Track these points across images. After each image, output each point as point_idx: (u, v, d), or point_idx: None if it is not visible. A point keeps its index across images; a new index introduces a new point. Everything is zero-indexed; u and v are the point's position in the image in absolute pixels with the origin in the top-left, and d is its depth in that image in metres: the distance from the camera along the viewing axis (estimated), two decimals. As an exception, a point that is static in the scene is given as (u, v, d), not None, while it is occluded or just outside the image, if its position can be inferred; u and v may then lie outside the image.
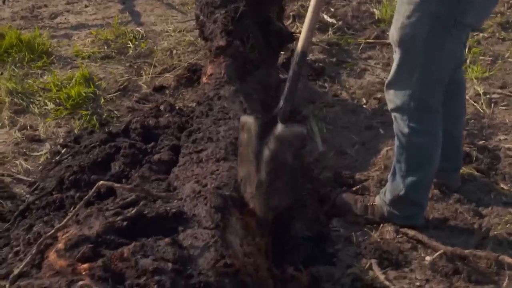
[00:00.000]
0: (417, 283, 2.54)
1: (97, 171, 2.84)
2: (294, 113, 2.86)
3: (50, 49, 4.76)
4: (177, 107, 3.57)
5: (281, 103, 2.35)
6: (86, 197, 2.16)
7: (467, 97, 3.77)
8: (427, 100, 2.59)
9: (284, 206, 2.46)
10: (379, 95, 3.94)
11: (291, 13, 5.11)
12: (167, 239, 1.90)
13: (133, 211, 2.04)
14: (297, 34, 4.22)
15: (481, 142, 3.44)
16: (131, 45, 4.80)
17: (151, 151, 2.94)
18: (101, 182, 2.19)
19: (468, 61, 4.26)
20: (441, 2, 2.37)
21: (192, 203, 2.14)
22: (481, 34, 4.66)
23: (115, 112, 3.94)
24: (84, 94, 4.03)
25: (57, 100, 4.01)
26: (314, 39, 4.63)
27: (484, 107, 3.79)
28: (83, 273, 1.76)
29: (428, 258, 2.65)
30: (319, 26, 4.88)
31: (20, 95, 4.09)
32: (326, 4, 5.27)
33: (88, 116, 3.83)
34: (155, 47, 4.80)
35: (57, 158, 3.28)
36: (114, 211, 2.07)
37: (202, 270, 1.84)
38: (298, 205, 2.88)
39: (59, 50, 4.84)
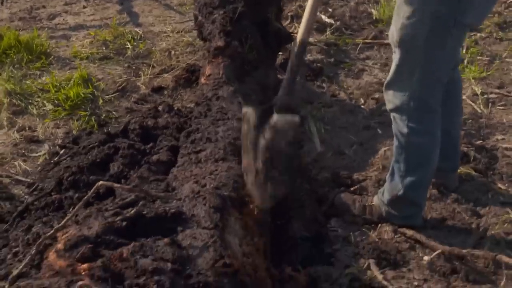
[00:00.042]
0: (415, 283, 2.55)
1: (96, 171, 2.84)
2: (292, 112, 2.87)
3: (48, 50, 4.77)
4: (175, 108, 3.58)
5: (280, 93, 2.39)
6: (86, 197, 2.16)
7: (464, 97, 3.80)
8: (427, 100, 2.60)
9: (281, 195, 2.48)
10: (377, 95, 3.95)
11: (289, 14, 5.12)
12: (166, 239, 1.91)
13: (132, 212, 2.04)
14: (295, 35, 4.24)
15: (478, 142, 3.45)
16: (130, 46, 4.80)
17: (149, 151, 2.95)
18: (101, 182, 2.19)
19: (465, 61, 4.28)
20: (441, 2, 2.37)
21: (191, 203, 2.15)
22: (478, 34, 4.67)
23: (114, 112, 3.94)
24: (82, 95, 4.03)
25: (56, 101, 4.02)
26: (312, 40, 4.65)
27: (481, 107, 3.80)
28: (83, 273, 1.77)
29: (426, 258, 2.66)
30: (317, 26, 4.89)
31: (18, 96, 4.10)
32: (324, 4, 5.29)
33: (86, 117, 3.83)
34: (153, 48, 4.81)
35: (56, 159, 3.29)
36: (114, 211, 2.07)
37: (201, 270, 1.85)
38: (296, 205, 2.90)
39: (58, 51, 4.84)
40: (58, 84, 4.17)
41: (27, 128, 3.80)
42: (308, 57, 4.50)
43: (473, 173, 3.18)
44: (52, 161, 3.28)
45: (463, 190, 3.05)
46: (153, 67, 4.51)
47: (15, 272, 2.01)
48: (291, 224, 2.77)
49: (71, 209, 2.54)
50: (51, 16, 5.58)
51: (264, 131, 2.34)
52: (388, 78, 2.65)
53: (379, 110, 3.80)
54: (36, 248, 2.03)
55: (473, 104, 3.83)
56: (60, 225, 2.05)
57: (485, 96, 3.92)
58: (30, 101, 4.08)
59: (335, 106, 3.95)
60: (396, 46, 2.56)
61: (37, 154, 3.52)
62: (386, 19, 4.86)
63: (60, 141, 3.58)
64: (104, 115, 3.90)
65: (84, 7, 5.78)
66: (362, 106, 3.94)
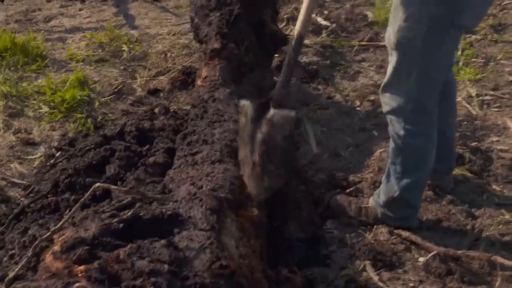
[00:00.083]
0: (411, 284, 2.55)
1: (92, 174, 2.85)
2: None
3: (44, 53, 4.78)
4: (171, 110, 3.58)
5: (276, 87, 2.42)
6: (82, 199, 2.16)
7: (460, 99, 3.81)
8: (424, 101, 2.60)
9: (277, 187, 2.52)
10: (372, 97, 3.96)
11: (285, 16, 5.14)
12: (163, 241, 1.91)
13: (129, 213, 2.05)
14: (291, 37, 4.26)
15: (473, 144, 3.46)
16: (126, 48, 4.81)
17: (146, 153, 2.95)
18: (97, 184, 2.20)
19: (460, 63, 4.30)
20: (438, 3, 2.37)
21: (188, 205, 2.15)
22: (473, 36, 4.69)
23: (110, 115, 3.95)
24: (78, 97, 4.03)
25: (52, 103, 4.03)
26: (308, 42, 4.66)
27: (476, 109, 3.81)
28: (80, 275, 1.77)
29: (421, 259, 2.67)
30: (313, 28, 4.90)
31: (14, 98, 4.10)
32: (319, 6, 5.30)
33: (82, 119, 3.84)
34: (149, 50, 4.82)
35: (52, 161, 3.29)
36: (110, 213, 2.08)
37: (198, 271, 1.85)
38: (292, 207, 2.91)
39: (54, 54, 4.85)
40: (54, 87, 4.17)
41: (23, 131, 3.80)
42: (304, 59, 4.52)
43: (468, 174, 3.19)
44: (48, 164, 3.28)
45: (458, 192, 3.06)
46: (149, 69, 4.52)
47: (11, 274, 2.02)
48: (287, 226, 2.79)
49: (67, 211, 2.54)
50: (47, 18, 5.58)
51: (261, 125, 2.38)
52: (385, 80, 2.66)
53: (374, 112, 3.82)
54: (32, 250, 2.04)
55: (468, 106, 3.84)
56: (56, 227, 2.05)
57: (480, 98, 3.93)
58: (26, 103, 4.08)
59: (331, 108, 3.96)
60: (393, 48, 2.56)
61: (33, 157, 3.52)
62: (382, 21, 4.88)
63: (56, 143, 3.58)
64: (100, 117, 3.90)
65: (80, 9, 5.79)
66: (358, 108, 3.95)
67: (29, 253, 2.03)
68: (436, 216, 2.89)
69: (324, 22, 5.04)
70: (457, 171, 3.16)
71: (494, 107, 3.86)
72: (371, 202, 2.90)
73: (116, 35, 5.00)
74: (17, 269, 2.02)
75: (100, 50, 4.83)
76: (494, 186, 3.13)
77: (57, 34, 5.24)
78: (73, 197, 2.66)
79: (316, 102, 4.03)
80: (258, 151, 2.40)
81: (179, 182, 2.41)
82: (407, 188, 2.73)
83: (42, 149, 3.58)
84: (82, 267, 1.79)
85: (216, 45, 3.64)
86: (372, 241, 2.78)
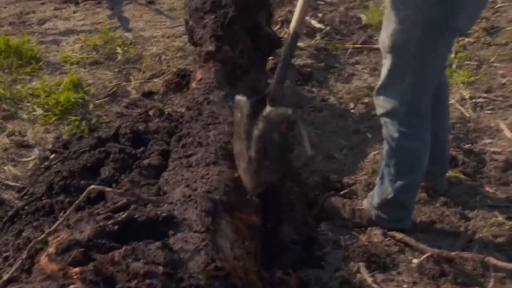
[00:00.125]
0: (405, 286, 2.56)
1: (86, 176, 2.84)
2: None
3: (38, 55, 4.77)
4: (166, 112, 3.59)
5: (272, 84, 2.45)
6: (77, 201, 2.16)
7: (453, 101, 3.83)
8: (418, 104, 2.62)
9: (272, 182, 2.56)
10: (366, 100, 3.98)
11: (279, 19, 5.15)
12: (158, 243, 1.91)
13: (124, 215, 2.05)
14: (283, 40, 4.27)
15: (467, 146, 3.47)
16: (120, 51, 4.81)
17: (140, 156, 2.95)
18: (92, 186, 2.20)
19: (454, 65, 4.32)
20: (433, 6, 2.38)
21: (183, 207, 2.16)
22: (466, 39, 4.71)
23: (104, 117, 3.95)
24: (73, 100, 4.03)
25: (46, 106, 4.03)
26: (302, 44, 4.67)
27: (470, 111, 3.83)
28: (74, 277, 1.77)
29: (415, 260, 2.68)
30: (307, 31, 4.92)
31: (8, 101, 4.10)
32: (313, 9, 5.32)
33: (77, 122, 3.84)
34: (143, 53, 4.82)
35: (46, 163, 3.28)
36: (105, 215, 2.08)
37: (193, 273, 1.85)
38: (287, 209, 2.92)
39: (48, 56, 4.85)
40: (48, 89, 4.17)
41: (17, 133, 3.79)
42: (298, 61, 4.53)
43: (462, 176, 3.20)
44: (42, 166, 3.28)
45: (451, 194, 3.07)
46: (144, 72, 4.52)
47: (5, 276, 2.01)
48: (282, 228, 2.80)
49: (62, 213, 2.54)
50: (41, 21, 5.58)
51: (257, 122, 2.41)
52: (379, 83, 2.67)
53: (368, 115, 3.83)
54: (27, 253, 2.04)
55: (461, 108, 3.86)
56: (51, 229, 2.05)
57: (473, 100, 3.95)
58: (20, 106, 4.07)
59: (325, 110, 3.97)
60: (387, 51, 2.57)
61: (27, 159, 3.52)
62: (376, 24, 4.90)
63: (50, 146, 3.58)
64: (94, 119, 3.90)
65: (74, 12, 5.79)
66: (352, 111, 3.96)
67: (24, 255, 2.03)
68: (429, 218, 2.91)
69: (318, 25, 5.05)
70: (450, 173, 3.17)
71: (487, 110, 3.88)
72: (365, 204, 2.91)
73: (111, 38, 5.00)
74: (11, 271, 2.02)
75: (94, 53, 4.83)
76: (487, 188, 3.14)
77: (51, 36, 5.24)
78: (67, 199, 2.66)
79: (310, 104, 4.04)
80: (254, 147, 2.44)
81: (174, 184, 2.42)
82: (401, 190, 2.74)
83: (36, 152, 3.58)
84: (77, 269, 1.79)
85: (211, 47, 3.65)
86: (366, 243, 2.79)
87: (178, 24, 5.29)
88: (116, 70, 4.59)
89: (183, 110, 3.62)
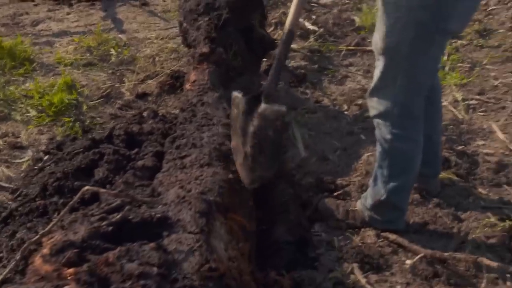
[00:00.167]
0: (398, 287, 2.57)
1: (80, 177, 2.85)
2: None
3: (32, 56, 4.77)
4: (160, 114, 3.59)
5: (267, 81, 2.50)
6: (71, 202, 2.16)
7: (446, 103, 3.85)
8: (411, 106, 2.63)
9: (268, 177, 2.62)
10: (360, 102, 3.99)
11: (273, 21, 5.16)
12: (152, 244, 1.91)
13: (118, 216, 2.05)
14: (279, 42, 4.28)
15: (459, 148, 3.49)
16: (114, 52, 4.81)
17: (134, 157, 2.95)
18: (87, 187, 2.19)
19: (447, 68, 4.34)
20: (424, 9, 2.39)
21: (177, 208, 2.16)
22: (459, 41, 4.73)
23: (98, 119, 3.94)
24: (66, 101, 4.03)
25: (40, 107, 4.02)
26: (296, 46, 4.69)
27: (462, 113, 3.85)
28: (69, 277, 1.76)
29: (408, 261, 2.69)
30: (301, 33, 4.94)
31: (1, 102, 4.09)
32: (307, 11, 5.34)
33: (70, 123, 3.83)
34: (137, 54, 4.82)
35: (40, 165, 3.28)
36: (99, 216, 2.07)
37: (187, 274, 1.85)
38: (281, 210, 2.92)
39: (41, 57, 4.84)
40: (41, 90, 4.16)
41: (10, 134, 3.78)
42: (292, 63, 4.54)
43: (455, 178, 3.22)
44: (36, 167, 3.27)
45: (444, 195, 3.09)
46: (137, 73, 4.52)
47: (-1, 277, 2.01)
48: (276, 229, 2.80)
49: (55, 214, 2.54)
50: (34, 22, 5.57)
51: (253, 118, 2.47)
52: (372, 85, 2.68)
53: (362, 116, 3.85)
54: (21, 254, 2.04)
55: (454, 110, 3.88)
56: (45, 230, 2.05)
57: (466, 102, 3.97)
58: (13, 107, 4.07)
59: (319, 112, 3.98)
60: (380, 53, 2.58)
61: (20, 160, 3.51)
62: (369, 26, 4.92)
63: (44, 147, 3.57)
64: (88, 121, 3.89)
65: (68, 13, 5.78)
66: (346, 112, 3.98)
67: (18, 257, 2.02)
68: (422, 219, 2.92)
69: (311, 27, 5.07)
70: (443, 174, 3.19)
71: (479, 111, 3.90)
72: (358, 205, 2.92)
73: (104, 39, 5.00)
74: (5, 272, 2.02)
75: (88, 54, 4.83)
76: (480, 189, 3.16)
77: (45, 38, 5.23)
78: (61, 200, 2.67)
79: (304, 106, 4.05)
80: (249, 143, 2.50)
81: (168, 185, 2.42)
82: (393, 192, 2.75)
83: (29, 153, 3.57)
84: (71, 270, 1.79)
85: (205, 49, 3.66)
86: (360, 244, 2.80)
87: (172, 26, 5.30)
88: (110, 71, 4.58)
89: (177, 111, 3.62)
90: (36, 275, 1.83)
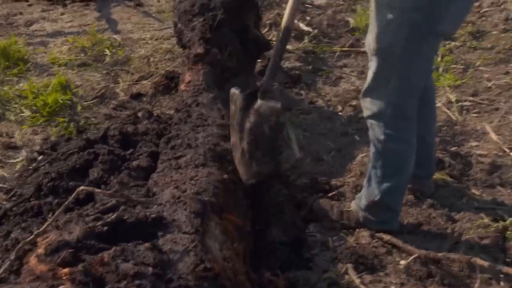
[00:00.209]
0: (392, 287, 2.58)
1: (75, 177, 2.84)
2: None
3: (26, 57, 4.75)
4: (155, 114, 3.59)
5: (264, 78, 2.55)
6: (66, 202, 2.16)
7: (439, 104, 3.87)
8: (404, 107, 2.64)
9: (266, 173, 2.66)
10: (354, 103, 4.00)
11: (267, 22, 5.17)
12: (147, 244, 1.92)
13: (113, 216, 2.05)
14: (274, 43, 4.29)
15: (453, 149, 3.51)
16: (108, 53, 4.80)
17: (129, 157, 2.95)
18: (82, 187, 2.19)
19: (440, 69, 4.35)
20: (417, 10, 2.41)
21: (172, 209, 2.16)
22: (453, 43, 4.75)
23: (92, 119, 3.94)
24: (61, 101, 4.02)
25: (34, 107, 4.01)
26: (290, 47, 4.69)
27: (456, 114, 3.86)
28: (64, 277, 1.77)
29: (402, 262, 2.70)
30: (295, 34, 4.94)
31: (-5, 102, 4.08)
32: (301, 12, 5.34)
33: (65, 123, 3.82)
34: (132, 55, 4.82)
35: (34, 165, 3.27)
36: (94, 216, 2.08)
37: (182, 274, 1.86)
38: (275, 211, 2.93)
39: (35, 58, 4.82)
40: (36, 91, 4.15)
41: (4, 135, 3.77)
42: (286, 64, 4.55)
43: (448, 179, 3.23)
44: (30, 167, 3.26)
45: (438, 196, 3.10)
46: (132, 74, 4.51)
47: (-6, 277, 2.00)
48: (270, 229, 2.81)
49: (50, 215, 2.53)
50: (28, 22, 5.55)
51: (249, 115, 2.52)
52: (365, 85, 2.69)
53: (356, 117, 3.85)
54: (15, 254, 2.03)
55: (448, 111, 3.89)
56: (40, 230, 2.05)
57: (460, 103, 3.99)
58: (7, 107, 4.06)
59: (314, 113, 3.99)
60: (373, 54, 2.59)
61: (15, 161, 3.51)
62: (363, 27, 4.93)
63: (38, 147, 3.56)
64: (82, 121, 3.89)
65: (62, 13, 5.76)
66: (340, 113, 3.99)
67: (12, 257, 2.02)
68: (416, 219, 2.93)
69: (306, 28, 5.08)
70: (437, 175, 3.20)
71: (473, 113, 3.91)
72: (353, 206, 2.93)
73: (99, 40, 4.99)
74: (-1, 272, 2.02)
75: (82, 55, 4.82)
76: (473, 190, 3.17)
77: (39, 38, 5.22)
78: (56, 200, 2.66)
79: (298, 107, 4.05)
80: (246, 139, 2.55)
81: (163, 185, 2.42)
82: (387, 192, 2.76)
83: (24, 153, 3.56)
84: (66, 270, 1.79)
85: (200, 50, 3.66)
86: (354, 245, 2.81)
87: (166, 27, 5.29)
88: (104, 72, 4.58)
89: (171, 112, 3.62)
90: (31, 275, 1.83)
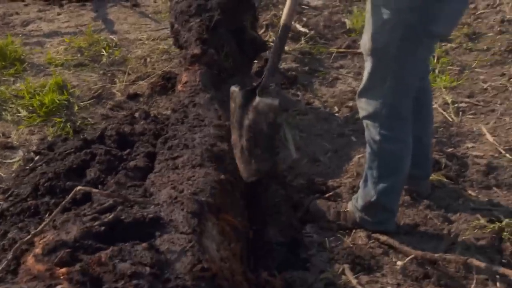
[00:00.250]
0: (389, 287, 2.59)
1: (72, 177, 2.84)
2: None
3: (22, 57, 4.75)
4: (152, 115, 3.59)
5: (264, 75, 2.55)
6: (64, 202, 2.16)
7: (436, 105, 3.88)
8: (398, 107, 2.65)
9: (264, 171, 2.66)
10: (350, 104, 4.01)
11: (264, 23, 5.17)
12: (144, 244, 1.91)
13: (111, 216, 2.05)
14: (271, 43, 4.29)
15: (449, 150, 3.52)
16: (105, 53, 4.80)
17: (126, 157, 2.95)
18: (79, 187, 2.19)
19: (437, 70, 4.37)
20: (412, 11, 2.42)
21: (169, 209, 2.16)
22: (449, 45, 4.76)
23: (89, 119, 3.94)
24: (57, 102, 4.02)
25: (30, 107, 4.01)
26: (287, 48, 4.69)
27: (452, 116, 3.87)
28: (61, 277, 1.76)
29: (399, 262, 2.71)
30: (292, 35, 4.94)
31: (-8, 102, 4.07)
32: (298, 14, 5.35)
33: (62, 123, 3.82)
34: (128, 55, 4.82)
35: (31, 165, 3.26)
36: (92, 216, 2.07)
37: (179, 274, 1.86)
38: (272, 211, 2.93)
39: (32, 58, 4.82)
40: (32, 91, 4.15)
41: (1, 135, 3.78)
42: (283, 65, 4.55)
43: (445, 180, 3.24)
44: (27, 167, 3.25)
45: (435, 197, 3.11)
46: (129, 74, 4.51)
47: (-9, 277, 2.00)
48: (267, 230, 2.81)
49: (47, 215, 2.53)
50: (24, 22, 5.54)
51: (248, 112, 2.53)
52: (361, 86, 2.70)
53: (353, 118, 3.86)
54: (12, 253, 2.03)
55: (444, 112, 3.91)
56: (37, 230, 2.04)
57: (456, 105, 4.00)
58: (4, 107, 4.05)
59: (310, 114, 4.00)
60: (368, 54, 2.60)
61: (11, 161, 3.50)
62: (359, 28, 4.94)
63: (35, 147, 3.56)
64: (79, 121, 3.89)
65: (58, 14, 5.76)
66: (336, 114, 3.99)
67: (10, 256, 2.02)
68: (413, 220, 2.93)
69: (302, 29, 5.09)
70: (433, 176, 3.21)
71: (469, 114, 3.93)
72: (349, 206, 2.93)
73: (95, 40, 4.99)
74: (-4, 272, 2.01)
75: (79, 55, 4.82)
76: (469, 192, 3.18)
77: (35, 38, 5.21)
78: (53, 200, 2.66)
79: (295, 108, 4.06)
80: (245, 136, 2.56)
81: (160, 186, 2.42)
82: (383, 193, 2.76)
83: (20, 153, 3.56)
84: (64, 270, 1.79)
85: (196, 50, 3.66)
86: (351, 245, 2.81)
87: (163, 27, 5.29)
88: (101, 72, 4.58)
89: (168, 112, 3.62)
90: (28, 275, 1.83)
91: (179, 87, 3.60)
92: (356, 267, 2.68)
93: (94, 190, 2.34)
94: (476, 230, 2.87)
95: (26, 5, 5.98)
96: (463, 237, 2.83)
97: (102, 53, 4.80)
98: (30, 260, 1.86)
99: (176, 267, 1.89)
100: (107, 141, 3.16)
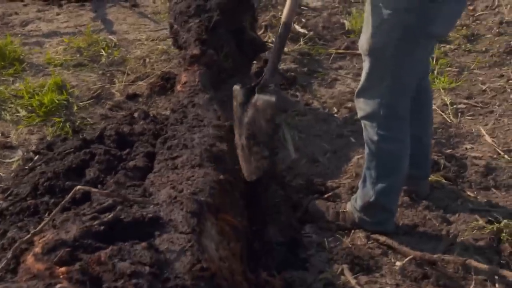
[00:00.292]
0: (388, 288, 2.60)
1: (72, 177, 2.83)
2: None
3: (21, 57, 4.74)
4: (151, 115, 3.59)
5: (264, 73, 2.57)
6: (63, 201, 2.16)
7: (435, 107, 3.88)
8: (396, 107, 2.65)
9: (264, 168, 2.65)
10: (349, 105, 4.01)
11: (263, 23, 5.17)
12: (144, 243, 1.92)
13: (110, 216, 2.05)
14: (270, 44, 4.30)
15: (448, 151, 3.52)
16: (104, 53, 4.80)
17: (126, 157, 2.95)
18: (78, 186, 2.19)
19: (435, 72, 4.37)
20: (409, 12, 2.43)
21: (168, 208, 2.16)
22: (447, 46, 4.77)
23: (88, 119, 3.94)
24: (57, 101, 4.01)
25: (30, 107, 4.00)
26: (286, 49, 4.69)
27: (451, 117, 3.88)
28: (61, 276, 1.77)
29: (398, 263, 2.71)
30: (291, 36, 4.93)
31: (-9, 102, 4.07)
32: (297, 15, 5.35)
33: (61, 123, 3.82)
34: (128, 56, 4.81)
35: (30, 164, 3.26)
36: (91, 215, 2.08)
37: (179, 273, 1.86)
38: (272, 211, 2.94)
39: (31, 58, 4.82)
40: (31, 91, 4.14)
41: (0, 134, 3.77)
42: (282, 66, 4.55)
43: (443, 181, 3.25)
44: (26, 167, 3.25)
45: (433, 198, 3.11)
46: (128, 74, 4.51)
47: (-10, 276, 2.00)
48: (267, 230, 2.81)
49: (46, 214, 2.53)
50: (24, 22, 5.54)
51: (247, 109, 2.55)
52: (359, 86, 2.71)
53: (351, 119, 3.86)
54: (12, 252, 2.03)
55: (443, 114, 3.91)
56: (37, 229, 2.05)
57: (454, 106, 4.01)
58: (3, 107, 4.05)
59: (309, 114, 4.00)
60: (366, 54, 2.61)
61: (10, 160, 3.50)
62: (358, 29, 4.94)
63: (34, 147, 3.56)
64: (78, 121, 3.89)
65: (58, 14, 5.75)
66: (335, 115, 4.00)
67: (9, 255, 2.02)
68: (412, 221, 2.94)
69: (301, 30, 5.09)
70: (432, 177, 3.21)
71: (468, 115, 3.93)
72: (348, 207, 2.94)
73: (94, 40, 4.98)
74: (-4, 271, 2.01)
75: (78, 55, 4.82)
76: (468, 192, 3.19)
77: (35, 38, 5.21)
78: (52, 200, 2.65)
79: (294, 108, 4.06)
80: (244, 134, 2.58)
81: (159, 185, 2.42)
82: (382, 193, 2.77)
83: (19, 153, 3.56)
84: (63, 269, 1.79)
85: (196, 51, 3.66)
86: (350, 245, 2.82)
87: (162, 28, 5.29)
88: (100, 72, 4.57)
89: (167, 112, 3.62)
90: (28, 274, 1.83)
91: (178, 87, 3.61)
92: (355, 267, 2.68)
93: (94, 189, 2.34)
94: (474, 231, 2.87)
95: (25, 5, 5.97)
96: (462, 238, 2.84)
97: (101, 53, 4.80)
98: (29, 259, 1.87)
99: (175, 266, 1.89)
100: (106, 141, 3.15)
